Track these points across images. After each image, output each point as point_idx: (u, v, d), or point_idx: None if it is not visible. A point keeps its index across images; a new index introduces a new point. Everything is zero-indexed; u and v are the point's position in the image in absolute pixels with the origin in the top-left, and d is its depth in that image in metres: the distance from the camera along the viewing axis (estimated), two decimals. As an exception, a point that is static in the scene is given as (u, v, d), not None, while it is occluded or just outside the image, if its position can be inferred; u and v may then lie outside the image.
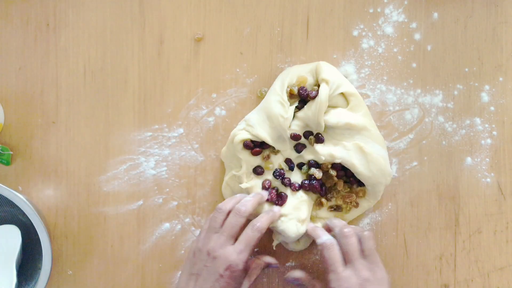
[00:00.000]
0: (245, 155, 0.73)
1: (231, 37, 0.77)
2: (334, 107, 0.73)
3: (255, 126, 0.73)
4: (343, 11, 0.77)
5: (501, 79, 0.77)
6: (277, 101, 0.72)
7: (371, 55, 0.76)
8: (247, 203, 0.70)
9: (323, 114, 0.71)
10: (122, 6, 0.77)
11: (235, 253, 0.67)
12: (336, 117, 0.72)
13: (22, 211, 0.71)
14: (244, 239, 0.68)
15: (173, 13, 0.77)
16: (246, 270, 0.70)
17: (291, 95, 0.73)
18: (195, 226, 0.77)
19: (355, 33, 0.76)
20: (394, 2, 0.76)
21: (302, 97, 0.73)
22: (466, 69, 0.77)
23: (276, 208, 0.72)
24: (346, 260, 0.68)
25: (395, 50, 0.77)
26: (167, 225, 0.77)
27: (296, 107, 0.73)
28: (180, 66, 0.77)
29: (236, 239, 0.69)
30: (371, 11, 0.76)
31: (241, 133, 0.73)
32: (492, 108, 0.77)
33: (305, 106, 0.73)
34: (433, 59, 0.77)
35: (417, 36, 0.77)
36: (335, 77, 0.72)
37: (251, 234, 0.68)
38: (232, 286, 0.67)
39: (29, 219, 0.71)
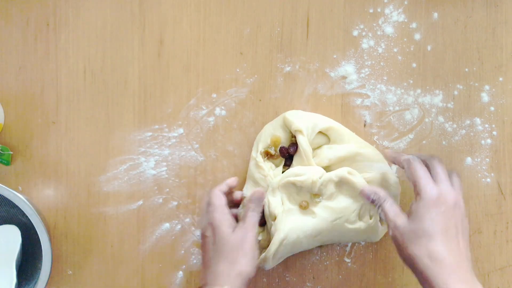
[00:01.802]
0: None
1: (231, 37, 0.77)
2: (318, 147, 0.73)
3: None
4: (343, 11, 0.77)
5: (501, 79, 0.77)
6: (254, 166, 0.73)
7: (371, 55, 0.76)
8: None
9: (313, 161, 0.71)
10: (122, 6, 0.77)
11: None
12: (325, 157, 0.72)
13: (22, 211, 0.71)
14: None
15: (173, 13, 0.77)
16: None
17: (272, 156, 0.73)
18: (195, 226, 0.77)
19: (355, 33, 0.76)
20: (394, 2, 0.76)
21: (284, 157, 0.73)
22: (466, 69, 0.77)
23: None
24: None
25: (395, 50, 0.76)
26: (167, 225, 0.77)
27: (285, 164, 0.74)
28: (180, 66, 0.77)
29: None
30: (371, 11, 0.76)
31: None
32: (492, 108, 0.77)
33: (293, 162, 0.73)
34: (433, 59, 0.77)
35: (417, 36, 0.77)
36: (306, 122, 0.72)
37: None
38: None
39: (29, 219, 0.71)
